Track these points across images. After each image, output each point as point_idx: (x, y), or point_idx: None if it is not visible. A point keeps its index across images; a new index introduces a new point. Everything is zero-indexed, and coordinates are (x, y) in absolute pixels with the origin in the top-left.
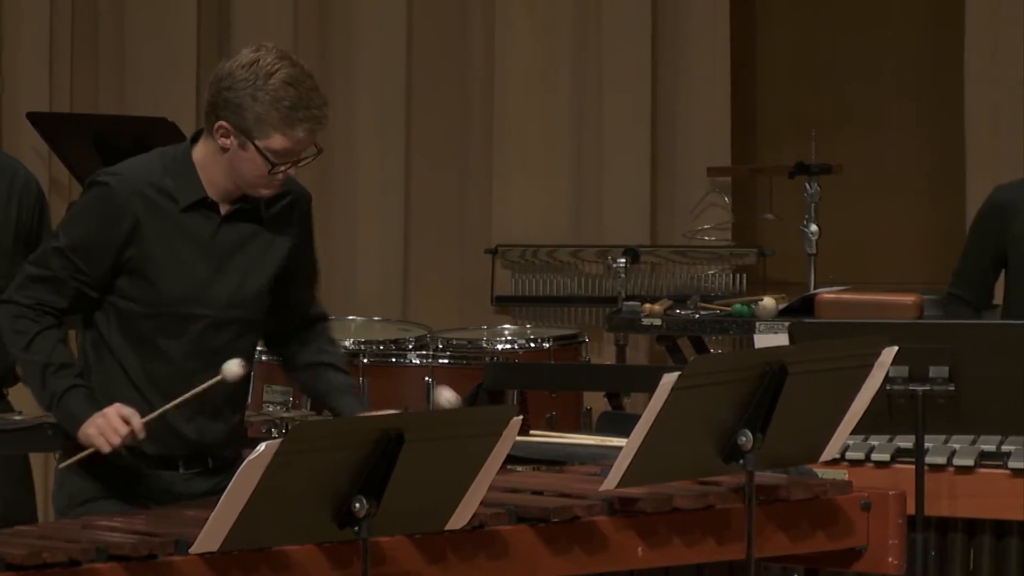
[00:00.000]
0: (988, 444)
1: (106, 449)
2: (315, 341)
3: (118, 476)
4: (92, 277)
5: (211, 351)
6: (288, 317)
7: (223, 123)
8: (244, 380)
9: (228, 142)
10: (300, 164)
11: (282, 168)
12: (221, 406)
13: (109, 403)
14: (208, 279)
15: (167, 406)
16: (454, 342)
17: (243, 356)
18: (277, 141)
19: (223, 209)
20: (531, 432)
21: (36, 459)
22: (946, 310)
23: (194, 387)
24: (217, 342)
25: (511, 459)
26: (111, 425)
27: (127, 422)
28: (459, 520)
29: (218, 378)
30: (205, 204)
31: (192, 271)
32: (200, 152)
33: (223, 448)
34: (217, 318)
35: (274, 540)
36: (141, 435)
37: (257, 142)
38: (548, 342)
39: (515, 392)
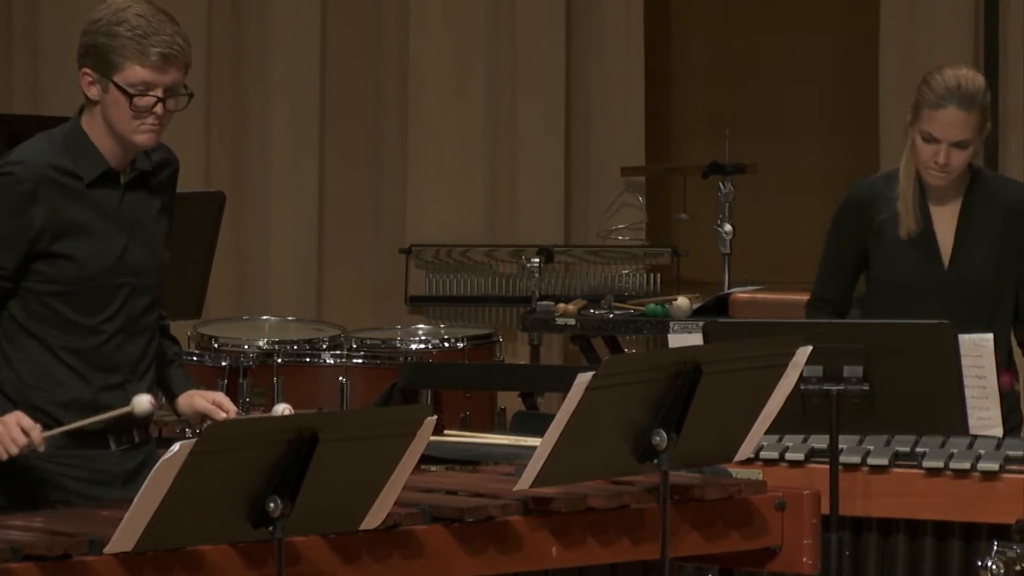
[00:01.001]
0: (902, 444)
1: (3, 457)
2: None
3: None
4: (7, 269)
5: (133, 319)
6: None
7: (85, 70)
8: (152, 340)
9: (95, 91)
10: (169, 104)
11: (145, 106)
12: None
13: (41, 386)
14: (123, 249)
15: (71, 426)
16: (368, 342)
17: (155, 320)
18: (134, 72)
19: (123, 178)
20: (445, 432)
21: None
22: (807, 315)
23: (117, 371)
24: (136, 308)
25: (425, 459)
26: (10, 435)
27: (27, 434)
28: (373, 520)
29: (127, 409)
30: (107, 176)
31: (110, 243)
32: (87, 121)
33: (146, 419)
34: (136, 285)
35: (189, 540)
36: (41, 449)
37: (115, 78)
38: (462, 342)
39: (429, 392)
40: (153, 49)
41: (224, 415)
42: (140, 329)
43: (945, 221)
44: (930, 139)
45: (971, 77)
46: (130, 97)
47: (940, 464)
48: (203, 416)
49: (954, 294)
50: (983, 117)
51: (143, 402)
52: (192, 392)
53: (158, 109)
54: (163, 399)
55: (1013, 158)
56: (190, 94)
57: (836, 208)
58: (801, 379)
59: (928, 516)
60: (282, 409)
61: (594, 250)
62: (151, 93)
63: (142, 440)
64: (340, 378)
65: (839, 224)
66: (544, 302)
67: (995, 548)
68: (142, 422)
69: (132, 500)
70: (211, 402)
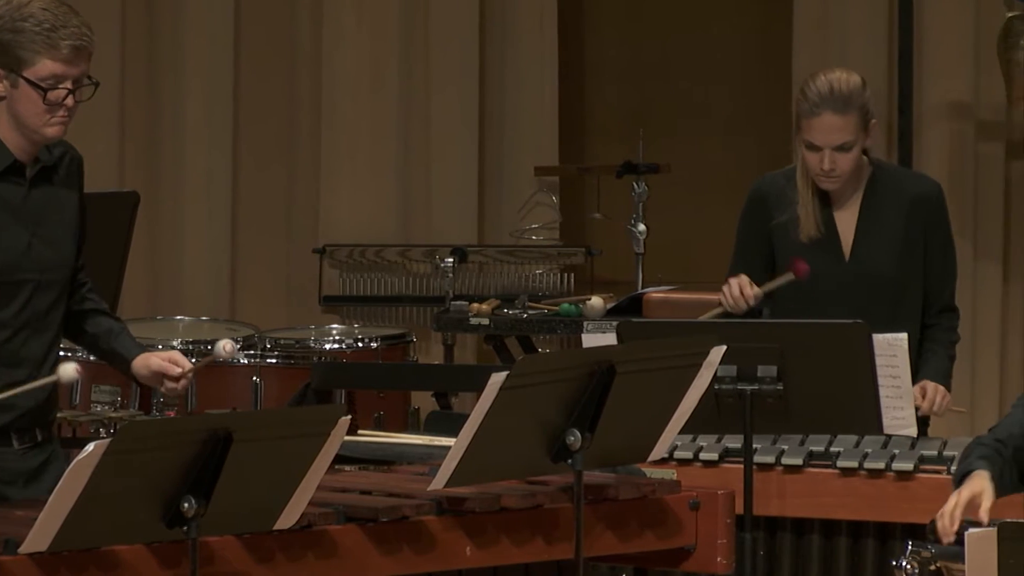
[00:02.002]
0: (817, 444)
1: None
2: (77, 291)
3: None
4: None
5: (38, 315)
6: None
7: None
8: (58, 337)
9: (1, 87)
10: (77, 95)
11: (57, 99)
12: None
13: None
14: (28, 244)
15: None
16: (282, 342)
17: (61, 316)
18: (45, 66)
19: (28, 172)
20: (359, 432)
21: None
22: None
23: (21, 367)
24: (42, 305)
25: (339, 459)
26: None
27: None
28: (288, 520)
29: (53, 378)
30: (12, 170)
31: (15, 238)
32: None
33: (48, 414)
34: (41, 281)
35: (103, 540)
36: None
37: (25, 73)
38: (376, 342)
39: (343, 392)
40: (63, 42)
41: (179, 370)
42: (46, 326)
43: (846, 219)
44: (812, 147)
45: (844, 79)
46: (43, 91)
47: (854, 464)
48: (161, 376)
49: (856, 290)
50: (863, 116)
51: (69, 370)
52: (147, 354)
53: (68, 101)
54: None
55: (928, 157)
56: (96, 83)
57: (743, 205)
58: (715, 379)
59: (842, 516)
60: (223, 344)
61: (508, 250)
62: (62, 86)
63: (44, 439)
64: (254, 378)
65: (744, 220)
66: (458, 302)
67: (909, 548)
68: (48, 416)
69: (46, 500)
70: (167, 360)
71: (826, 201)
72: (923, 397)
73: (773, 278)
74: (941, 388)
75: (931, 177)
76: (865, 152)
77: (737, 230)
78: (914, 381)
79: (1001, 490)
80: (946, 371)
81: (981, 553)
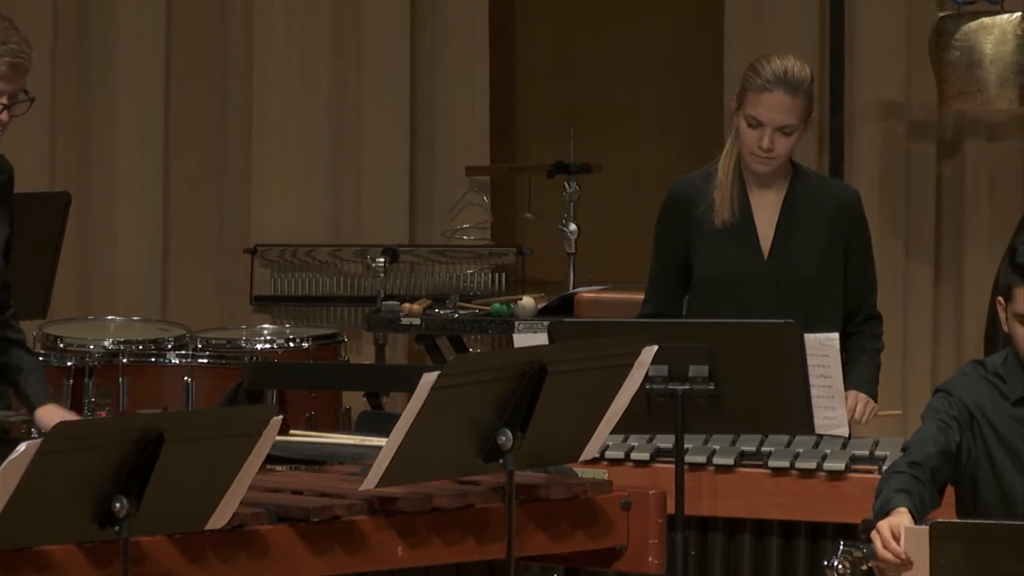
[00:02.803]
0: (748, 444)
1: None
2: (1, 314)
3: None
4: None
5: None
6: None
7: None
8: None
9: None
10: (12, 110)
11: None
12: None
13: None
14: None
15: None
16: (213, 342)
17: None
18: None
19: None
20: (291, 432)
21: None
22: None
23: None
24: None
25: (271, 459)
26: None
27: None
28: (219, 520)
29: None
30: None
31: None
32: None
33: None
34: None
35: (36, 540)
36: None
37: None
38: (307, 342)
39: (274, 392)
40: (3, 59)
41: None
42: None
43: (766, 212)
44: (755, 123)
45: (798, 67)
46: None
47: (786, 464)
48: None
49: (773, 287)
50: (808, 106)
51: None
52: (52, 407)
53: (3, 116)
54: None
55: (859, 157)
56: (31, 99)
57: (658, 210)
58: (647, 378)
59: (774, 516)
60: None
61: (439, 250)
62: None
63: None
64: (185, 378)
65: (661, 224)
66: (389, 302)
67: (841, 548)
68: None
69: None
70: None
71: (745, 192)
72: (852, 409)
73: None
74: (863, 396)
75: (849, 185)
76: None
77: (655, 235)
78: None
79: (924, 513)
80: (871, 379)
81: (914, 551)
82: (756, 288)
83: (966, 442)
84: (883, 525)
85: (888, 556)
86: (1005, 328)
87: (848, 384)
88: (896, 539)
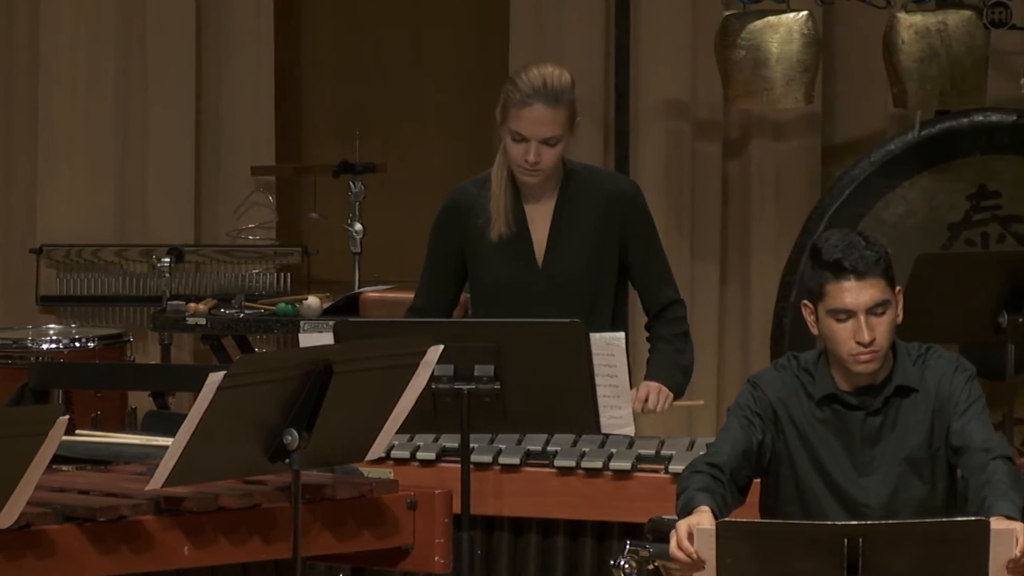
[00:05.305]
0: (534, 443)
1: None
2: None
3: None
4: None
5: None
6: None
7: None
8: None
9: None
10: None
11: None
12: None
13: None
14: None
15: None
16: None
17: None
18: None
19: None
20: (77, 432)
21: None
22: None
23: None
24: None
25: (57, 458)
26: None
27: None
28: (6, 520)
29: None
30: None
31: None
32: None
33: None
34: None
35: None
36: None
37: None
38: (93, 341)
39: (60, 392)
40: None
41: None
42: None
43: (540, 221)
44: (519, 138)
45: (557, 75)
46: None
47: (572, 463)
48: None
49: (549, 294)
50: (571, 113)
51: None
52: None
53: None
54: None
55: (644, 156)
56: None
57: (434, 216)
58: (432, 378)
59: (560, 515)
60: None
61: (225, 250)
62: None
63: None
64: None
65: (437, 231)
66: (175, 302)
67: (627, 547)
68: None
69: None
70: None
71: (520, 203)
72: (644, 400)
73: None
74: (655, 386)
75: (627, 177)
76: None
77: (431, 238)
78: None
79: (725, 512)
80: (668, 366)
81: (706, 552)
82: (534, 296)
83: (769, 438)
84: (681, 524)
85: (679, 555)
86: (814, 331)
87: (647, 375)
88: (690, 539)
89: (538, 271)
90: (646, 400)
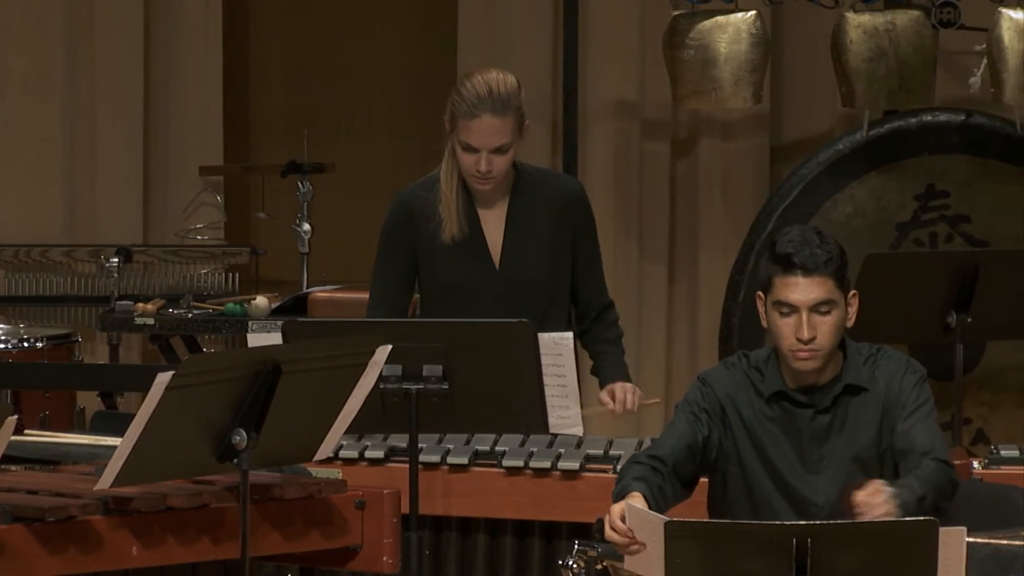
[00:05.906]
0: (482, 443)
1: None
2: None
3: None
4: None
5: None
6: None
7: None
8: None
9: None
10: None
11: None
12: None
13: None
14: None
15: None
16: None
17: None
18: None
19: None
20: (25, 431)
21: None
22: None
23: None
24: None
25: (5, 459)
26: None
27: None
28: None
29: None
30: None
31: None
32: None
33: None
34: None
35: None
36: None
37: None
38: (41, 341)
39: (8, 391)
40: None
41: None
42: None
43: (494, 223)
44: (469, 149)
45: (502, 80)
46: None
47: (520, 463)
48: None
49: (508, 297)
50: (519, 118)
51: None
52: None
53: None
54: None
55: (593, 156)
56: None
57: (383, 222)
58: (381, 378)
59: (508, 515)
60: None
61: (173, 250)
62: None
63: None
64: None
65: (387, 234)
66: (123, 302)
67: (576, 547)
68: None
69: None
70: None
71: (472, 206)
72: (614, 400)
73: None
74: (628, 386)
75: (572, 176)
76: None
77: (380, 240)
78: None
79: (664, 503)
80: (623, 367)
81: (644, 534)
82: (489, 297)
83: (716, 435)
84: (613, 508)
85: (615, 537)
86: (764, 323)
87: (605, 378)
88: (623, 519)
89: (496, 273)
90: (624, 402)
